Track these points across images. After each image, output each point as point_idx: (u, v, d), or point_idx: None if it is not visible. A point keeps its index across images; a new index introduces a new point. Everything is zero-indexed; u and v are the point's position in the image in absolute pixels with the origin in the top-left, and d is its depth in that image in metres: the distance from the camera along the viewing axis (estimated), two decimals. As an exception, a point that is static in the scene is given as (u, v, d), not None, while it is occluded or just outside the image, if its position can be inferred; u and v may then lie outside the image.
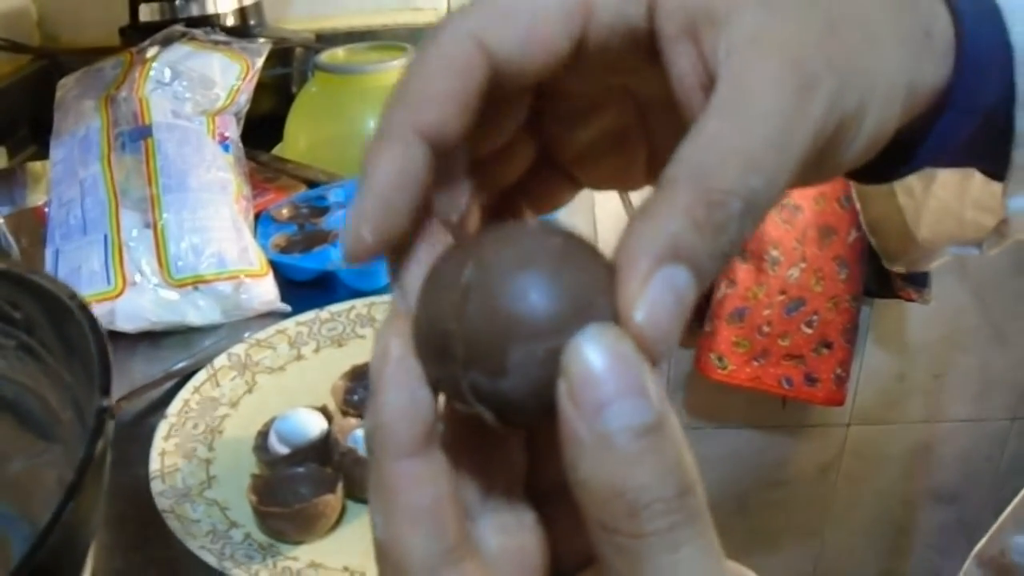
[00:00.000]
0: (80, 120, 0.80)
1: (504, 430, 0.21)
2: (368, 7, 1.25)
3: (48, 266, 0.71)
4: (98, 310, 0.67)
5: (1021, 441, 1.67)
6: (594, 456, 0.18)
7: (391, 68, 0.90)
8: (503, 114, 0.24)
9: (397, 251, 0.22)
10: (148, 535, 0.49)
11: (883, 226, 0.42)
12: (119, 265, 0.69)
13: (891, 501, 1.75)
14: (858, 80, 0.22)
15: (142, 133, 0.77)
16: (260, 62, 0.89)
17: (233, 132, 0.82)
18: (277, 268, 0.74)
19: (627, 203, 1.25)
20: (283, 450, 0.53)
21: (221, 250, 0.71)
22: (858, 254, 1.35)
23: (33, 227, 0.75)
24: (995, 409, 1.64)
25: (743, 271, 1.36)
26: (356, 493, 0.50)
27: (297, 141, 0.95)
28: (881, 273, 1.40)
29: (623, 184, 0.29)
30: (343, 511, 0.50)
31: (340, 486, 0.49)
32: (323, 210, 0.83)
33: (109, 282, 0.69)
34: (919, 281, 1.40)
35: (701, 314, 1.43)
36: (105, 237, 0.71)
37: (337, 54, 0.95)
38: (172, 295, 0.69)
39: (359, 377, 0.59)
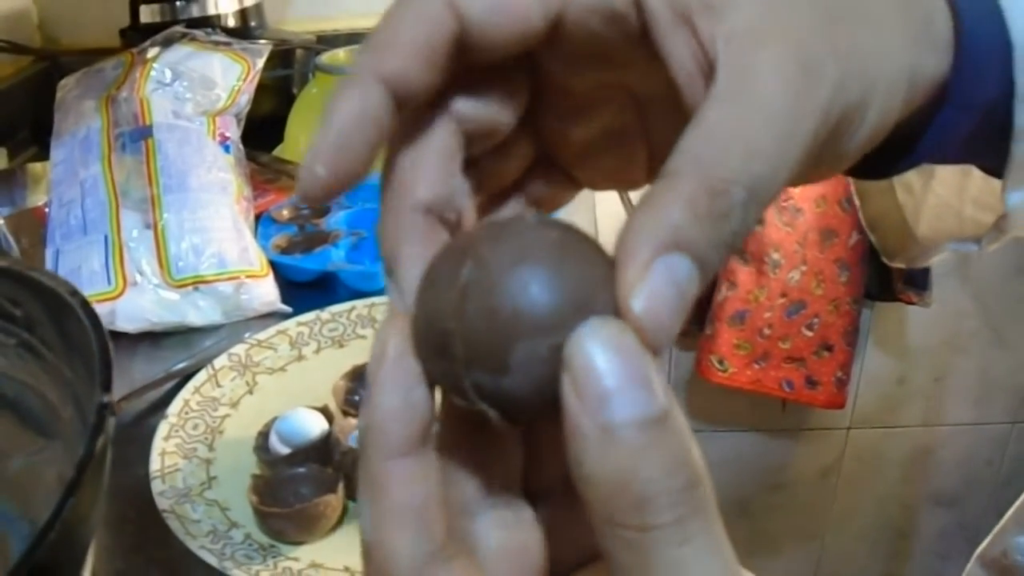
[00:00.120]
0: (80, 121, 0.80)
1: (507, 427, 0.20)
2: (369, 8, 1.24)
3: (48, 266, 0.71)
4: (99, 310, 0.66)
5: (1021, 445, 1.66)
6: (599, 449, 0.17)
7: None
8: (498, 108, 0.24)
9: (347, 187, 0.22)
10: (148, 535, 0.49)
11: (882, 223, 0.42)
12: (119, 265, 0.69)
13: (891, 504, 1.75)
14: (862, 68, 0.21)
15: (142, 134, 0.77)
16: (261, 63, 0.89)
17: (234, 133, 0.82)
18: (278, 269, 0.74)
19: (627, 203, 1.25)
20: (284, 450, 0.53)
21: (222, 251, 0.71)
22: (859, 257, 1.35)
23: (33, 228, 0.75)
24: (996, 413, 1.64)
25: (744, 273, 1.36)
26: (357, 494, 0.50)
27: (298, 142, 0.95)
28: (882, 276, 1.40)
29: (623, 183, 0.29)
30: (344, 511, 0.50)
31: (341, 486, 0.49)
32: (324, 211, 0.83)
33: (109, 282, 0.69)
34: (920, 284, 1.40)
35: (702, 317, 1.43)
36: (105, 237, 0.71)
37: (338, 55, 0.95)
38: (172, 295, 0.69)
39: (360, 377, 0.59)
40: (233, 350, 0.63)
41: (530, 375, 0.19)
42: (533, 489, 0.23)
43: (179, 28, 0.91)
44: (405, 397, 0.20)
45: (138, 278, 0.69)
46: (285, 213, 0.82)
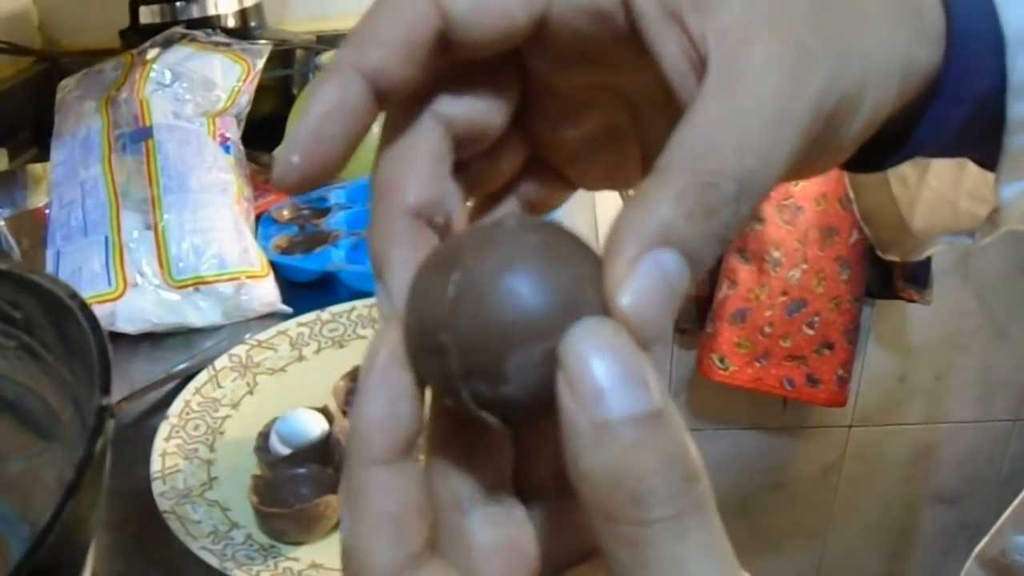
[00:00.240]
0: (81, 121, 0.80)
1: (505, 429, 0.20)
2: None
3: (49, 267, 0.71)
4: (99, 311, 0.67)
5: (1023, 443, 1.66)
6: (595, 446, 0.17)
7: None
8: (488, 111, 0.24)
9: (322, 178, 0.22)
10: (149, 536, 0.49)
11: (876, 216, 0.42)
12: (120, 266, 0.69)
13: (893, 503, 1.75)
14: (854, 60, 0.21)
15: (143, 134, 0.77)
16: (261, 63, 0.89)
17: (234, 133, 0.82)
18: (278, 269, 0.74)
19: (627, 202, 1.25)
20: (284, 451, 0.53)
21: (222, 251, 0.71)
22: (860, 255, 1.35)
23: (34, 229, 0.75)
24: (997, 410, 1.64)
25: (745, 272, 1.36)
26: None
27: (298, 143, 0.95)
28: (883, 274, 1.40)
29: (618, 184, 0.29)
30: (344, 512, 0.50)
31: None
32: (324, 211, 0.83)
33: (110, 283, 0.69)
34: (921, 282, 1.40)
35: (703, 315, 1.43)
36: (106, 238, 0.71)
37: (338, 56, 0.95)
38: (173, 296, 0.69)
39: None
40: (234, 351, 0.63)
41: (527, 381, 0.19)
42: (525, 487, 0.23)
43: (179, 29, 0.91)
44: (391, 408, 0.20)
45: (138, 279, 0.69)
46: (285, 213, 0.82)
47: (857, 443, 1.68)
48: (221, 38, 0.91)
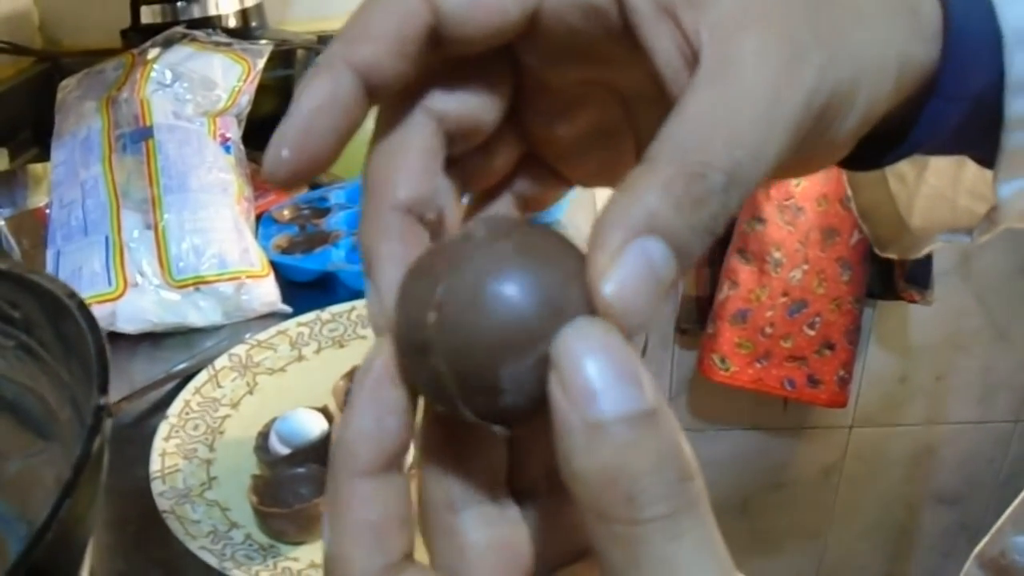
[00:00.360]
0: (81, 121, 0.80)
1: (509, 433, 0.20)
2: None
3: (49, 267, 0.71)
4: (99, 311, 0.67)
5: (1023, 444, 1.66)
6: (589, 445, 0.17)
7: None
8: (480, 106, 0.23)
9: (312, 172, 0.22)
10: (149, 536, 0.49)
11: (874, 213, 0.41)
12: (120, 266, 0.69)
13: (894, 503, 1.75)
14: (848, 55, 0.21)
15: (143, 134, 0.77)
16: (261, 63, 0.89)
17: (234, 133, 0.82)
18: (278, 269, 0.74)
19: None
20: (284, 451, 0.53)
21: (222, 251, 0.71)
22: (861, 256, 1.35)
23: (34, 229, 0.75)
24: (998, 411, 1.64)
25: (745, 273, 1.36)
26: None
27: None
28: (884, 274, 1.40)
29: (612, 180, 0.28)
30: (343, 512, 0.50)
31: (340, 487, 0.49)
32: (324, 211, 0.83)
33: (110, 283, 0.69)
34: (921, 282, 1.40)
35: (704, 316, 1.43)
36: (106, 238, 0.71)
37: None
38: (173, 296, 0.69)
39: (360, 378, 0.59)
40: (233, 350, 0.63)
41: (523, 389, 0.19)
42: (518, 487, 0.23)
43: (180, 29, 0.91)
44: (378, 423, 0.20)
45: (139, 279, 0.69)
46: (286, 213, 0.82)
47: (858, 444, 1.68)
48: (222, 38, 0.91)
